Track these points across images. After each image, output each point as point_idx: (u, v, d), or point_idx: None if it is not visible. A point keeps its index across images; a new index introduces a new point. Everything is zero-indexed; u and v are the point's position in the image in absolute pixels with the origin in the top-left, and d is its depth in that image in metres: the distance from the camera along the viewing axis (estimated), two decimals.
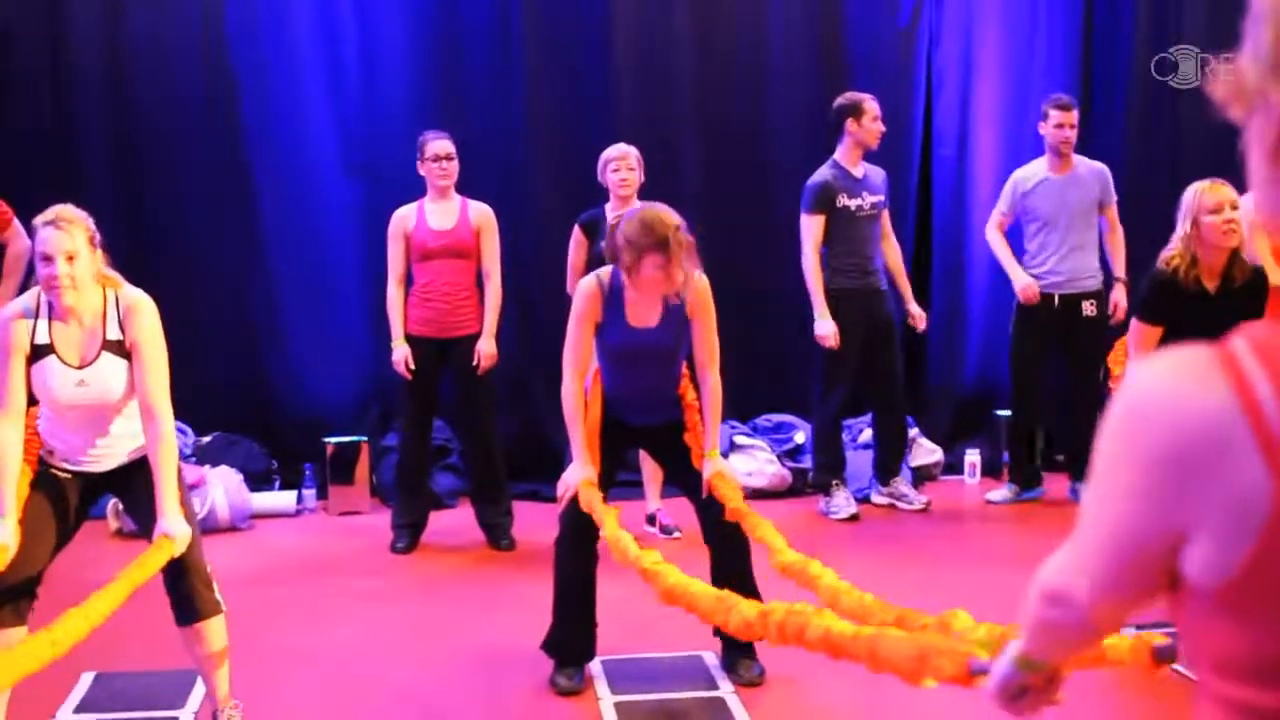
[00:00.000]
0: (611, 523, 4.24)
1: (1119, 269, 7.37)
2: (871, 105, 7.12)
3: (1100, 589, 1.33)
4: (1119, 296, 7.29)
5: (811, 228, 7.07)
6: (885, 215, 7.36)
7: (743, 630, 3.23)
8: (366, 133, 7.97)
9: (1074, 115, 7.22)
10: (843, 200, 7.06)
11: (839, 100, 7.19)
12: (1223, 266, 5.09)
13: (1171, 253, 5.10)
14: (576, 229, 6.79)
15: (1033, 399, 7.50)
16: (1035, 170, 7.37)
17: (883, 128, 7.18)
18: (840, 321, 7.08)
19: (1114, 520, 1.27)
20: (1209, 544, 1.19)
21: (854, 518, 7.16)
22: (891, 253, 7.42)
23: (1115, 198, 7.36)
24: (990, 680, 1.66)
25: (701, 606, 3.49)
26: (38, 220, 3.97)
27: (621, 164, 6.66)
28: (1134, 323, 5.21)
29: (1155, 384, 1.20)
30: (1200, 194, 5.02)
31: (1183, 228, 5.07)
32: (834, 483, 7.29)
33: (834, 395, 7.24)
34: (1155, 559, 1.25)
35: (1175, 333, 4.95)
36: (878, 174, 7.30)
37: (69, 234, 3.93)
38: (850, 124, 7.08)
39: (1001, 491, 7.63)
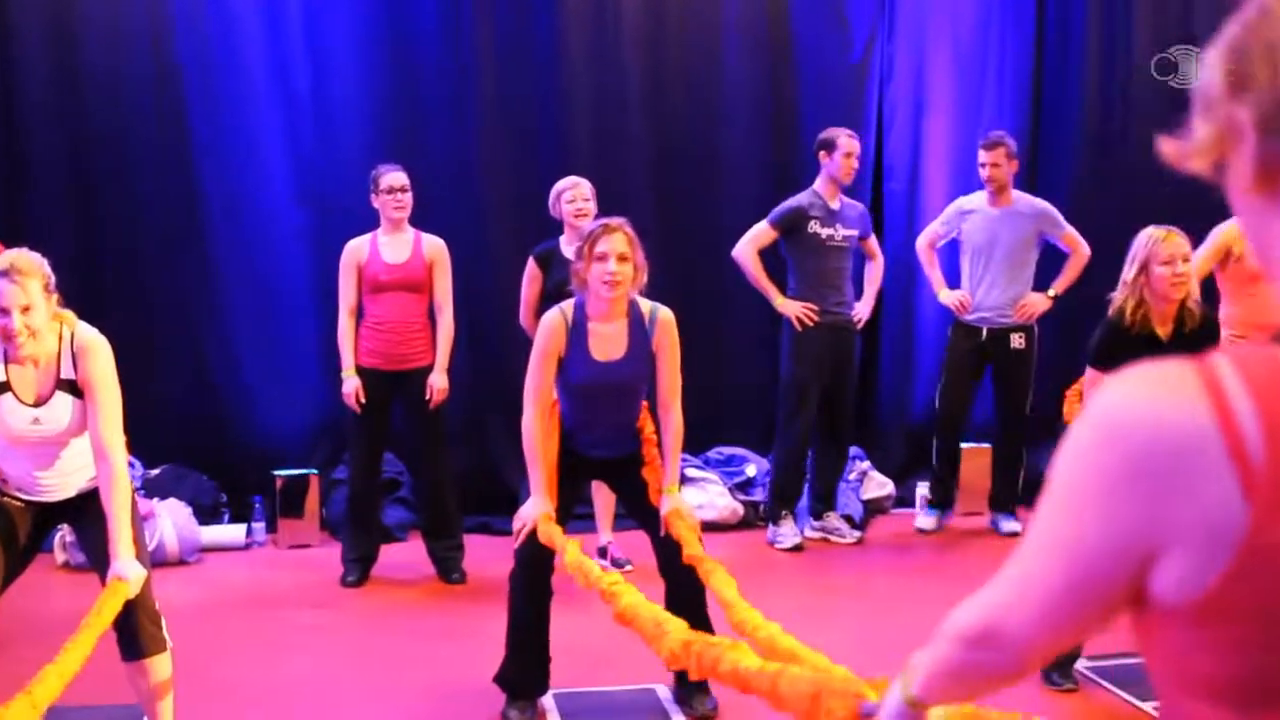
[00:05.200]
0: (573, 549, 4.25)
1: (1058, 282, 7.48)
2: (846, 142, 7.21)
3: (1042, 622, 1.30)
4: (1034, 299, 7.43)
5: (761, 234, 7.18)
6: (871, 241, 7.50)
7: (670, 660, 3.23)
8: (319, 165, 7.93)
9: (999, 153, 7.33)
10: (814, 227, 7.13)
11: (821, 134, 7.27)
12: (1174, 314, 5.06)
13: (1120, 298, 5.07)
14: (530, 261, 6.78)
15: (957, 423, 7.63)
16: (976, 201, 7.52)
17: (855, 165, 7.27)
18: (806, 350, 7.14)
19: (1073, 541, 1.23)
20: (1181, 562, 1.17)
21: (798, 548, 7.18)
22: (874, 269, 7.56)
23: (1066, 228, 7.45)
24: None
25: (641, 629, 3.49)
26: None
27: (575, 193, 6.67)
28: (1089, 371, 5.19)
29: (1130, 397, 1.18)
30: (1154, 243, 4.95)
31: (1131, 272, 5.00)
32: (784, 513, 7.32)
33: (797, 424, 7.28)
34: (1112, 583, 1.23)
35: None
36: (854, 209, 7.40)
37: (23, 287, 3.87)
38: (822, 157, 7.19)
39: (929, 518, 7.70)
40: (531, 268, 6.76)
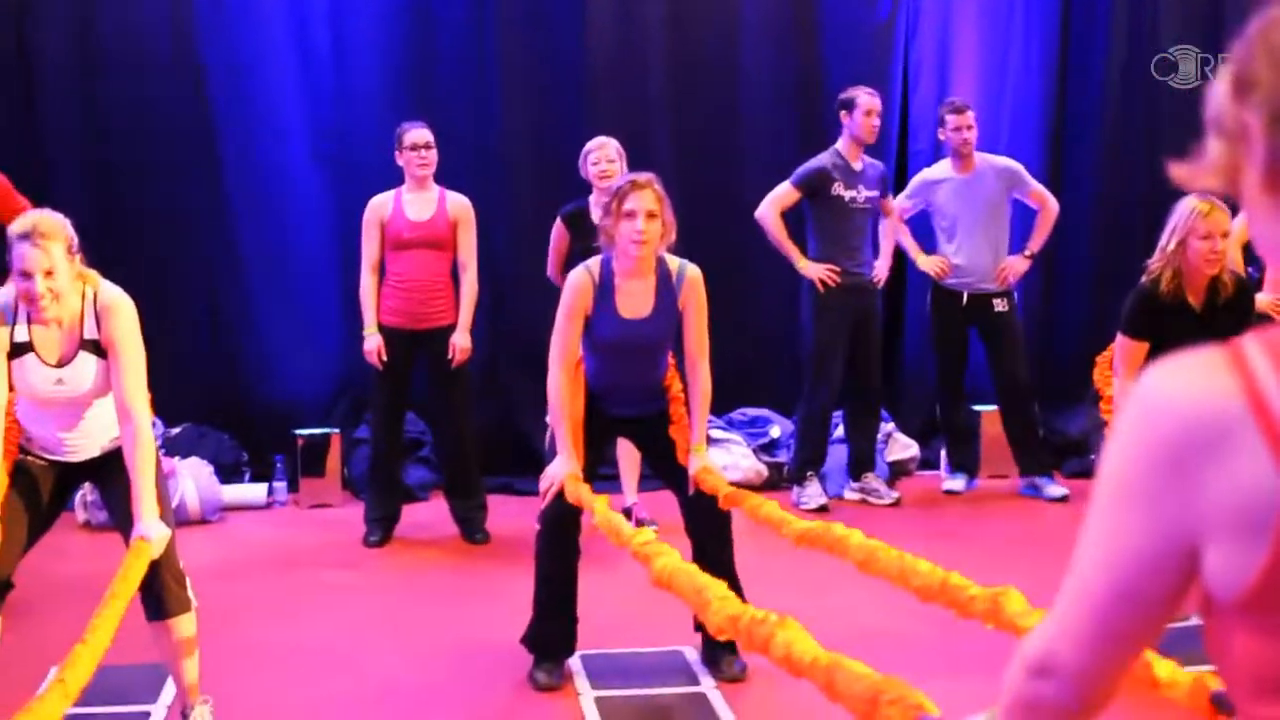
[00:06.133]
0: (602, 507, 4.19)
1: (1032, 241, 7.50)
2: (866, 100, 7.15)
3: (1093, 638, 1.23)
4: (1012, 262, 7.44)
5: (783, 195, 7.13)
6: (888, 199, 7.43)
7: (714, 629, 3.18)
8: (338, 123, 7.89)
9: (969, 117, 7.34)
10: (838, 189, 7.08)
11: (842, 94, 7.21)
12: (1206, 283, 5.00)
13: (1156, 267, 5.00)
14: (558, 221, 6.71)
15: (956, 389, 7.65)
16: (941, 171, 7.52)
17: (876, 123, 7.20)
18: (829, 312, 7.09)
19: (1118, 540, 1.20)
20: (1223, 551, 1.14)
21: (823, 509, 7.12)
22: (889, 225, 7.48)
23: (1032, 185, 7.48)
24: None
25: (683, 595, 3.44)
26: (13, 231, 3.85)
27: (600, 154, 6.60)
28: (1119, 338, 5.11)
29: (1160, 386, 1.17)
30: (1196, 217, 4.84)
31: (1170, 242, 4.94)
32: (809, 474, 7.28)
33: (823, 387, 7.25)
34: (1161, 584, 1.19)
35: (1162, 349, 4.87)
36: (875, 169, 7.35)
37: (45, 250, 3.82)
38: (843, 116, 7.15)
39: (956, 481, 7.65)
40: (559, 228, 6.70)
